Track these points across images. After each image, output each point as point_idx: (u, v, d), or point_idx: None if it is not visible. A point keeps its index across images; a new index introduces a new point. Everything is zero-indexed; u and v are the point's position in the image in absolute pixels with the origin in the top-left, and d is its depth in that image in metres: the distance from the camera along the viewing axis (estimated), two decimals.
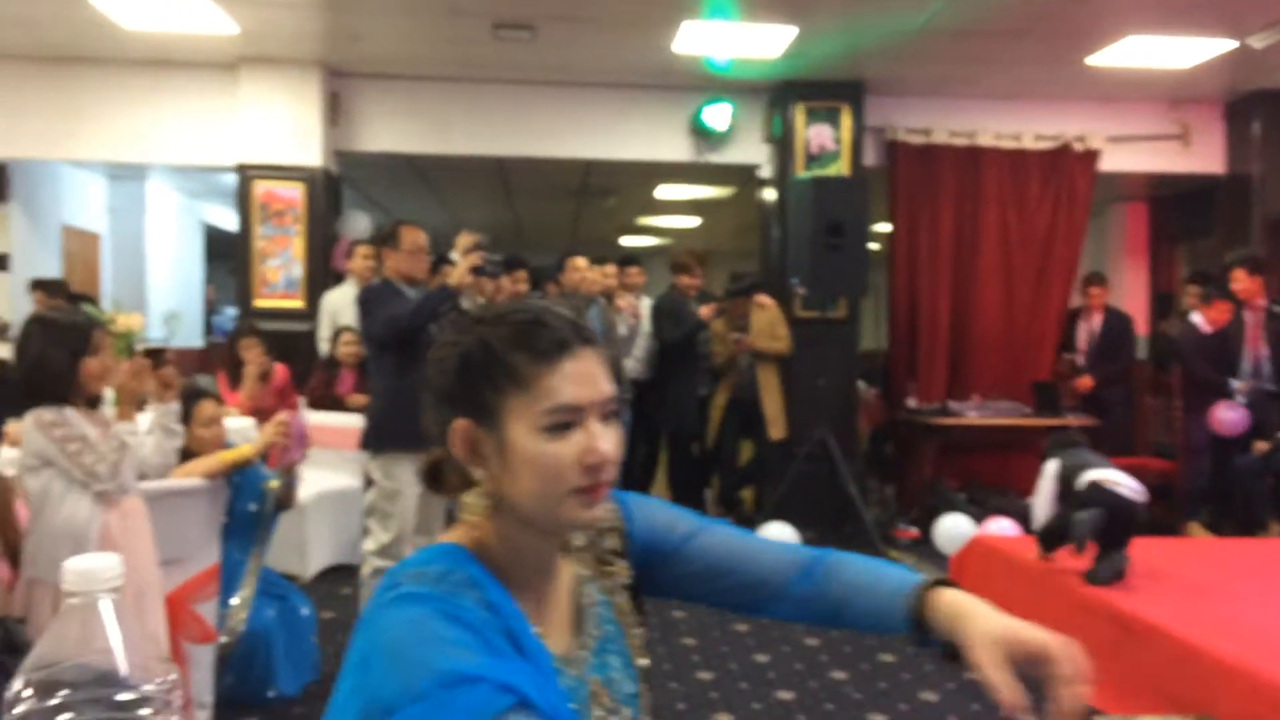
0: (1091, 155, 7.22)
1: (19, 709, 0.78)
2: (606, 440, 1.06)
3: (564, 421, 1.04)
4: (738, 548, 1.27)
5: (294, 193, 6.66)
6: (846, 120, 6.94)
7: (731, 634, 4.57)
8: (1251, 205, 7.14)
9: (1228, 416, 5.87)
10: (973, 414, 6.77)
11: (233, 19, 5.72)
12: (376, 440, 4.04)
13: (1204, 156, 7.38)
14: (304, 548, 5.23)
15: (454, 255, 4.20)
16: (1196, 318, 6.24)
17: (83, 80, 6.63)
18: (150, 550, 2.90)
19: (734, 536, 1.29)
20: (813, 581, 1.24)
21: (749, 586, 1.25)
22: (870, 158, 7.13)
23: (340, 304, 6.13)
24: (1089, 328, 7.10)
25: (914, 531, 6.46)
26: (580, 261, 6.22)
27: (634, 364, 6.67)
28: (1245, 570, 4.05)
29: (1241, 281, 6.04)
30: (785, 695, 3.84)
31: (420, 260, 4.14)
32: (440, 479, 1.18)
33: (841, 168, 6.91)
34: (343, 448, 5.51)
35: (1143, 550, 3.68)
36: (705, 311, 6.47)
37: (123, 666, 0.78)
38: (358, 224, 7.08)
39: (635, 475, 6.90)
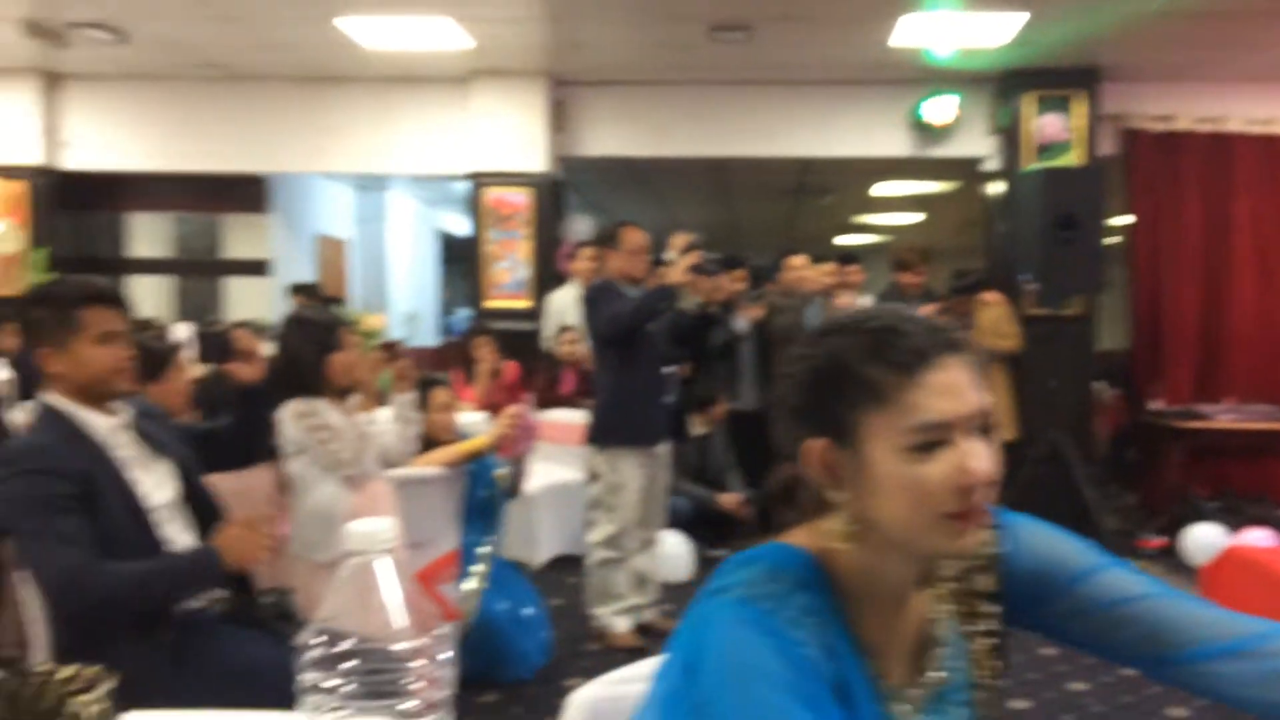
0: None
1: (311, 654, 0.89)
2: (981, 458, 0.95)
3: (931, 440, 0.95)
4: (1149, 596, 1.08)
5: (521, 198, 6.97)
6: (1080, 108, 6.61)
7: None
8: None
9: None
10: (1225, 417, 6.29)
11: (467, 34, 6.05)
12: (601, 435, 4.19)
13: None
14: (533, 537, 5.46)
15: (669, 255, 4.29)
16: None
17: (333, 99, 7.18)
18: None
19: (1145, 582, 1.10)
20: (1250, 657, 1.03)
21: (1156, 643, 1.06)
22: (1105, 147, 6.75)
23: (564, 304, 6.37)
24: None
25: (1160, 541, 6.06)
26: (798, 260, 6.20)
27: None
28: None
29: None
30: (1021, 705, 3.71)
31: (641, 260, 4.25)
32: (792, 499, 1.08)
33: (1074, 158, 6.59)
34: (567, 442, 5.73)
35: None
36: (927, 309, 6.31)
37: (398, 619, 0.88)
38: (581, 227, 7.33)
39: None
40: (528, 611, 3.90)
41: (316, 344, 2.98)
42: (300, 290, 7.28)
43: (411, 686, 0.91)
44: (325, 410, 2.98)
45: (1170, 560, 5.78)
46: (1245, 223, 6.64)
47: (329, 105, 7.19)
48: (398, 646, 0.89)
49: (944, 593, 1.09)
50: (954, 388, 0.96)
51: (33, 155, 7.17)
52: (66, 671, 1.21)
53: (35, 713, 1.15)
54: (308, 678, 0.90)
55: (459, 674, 3.53)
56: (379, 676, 0.90)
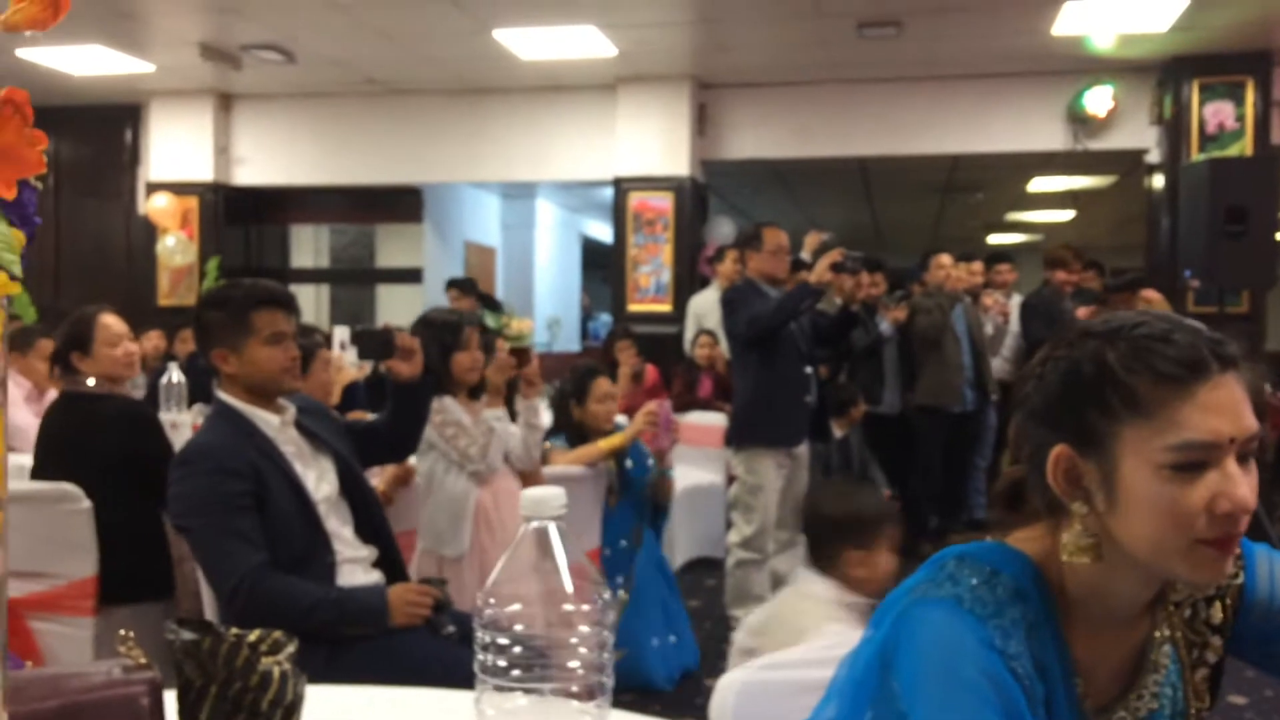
0: None
1: (486, 613, 0.94)
2: (1245, 485, 0.89)
3: (1195, 460, 0.89)
4: None
5: (664, 202, 7.05)
6: (1250, 95, 6.28)
7: None
8: None
9: None
10: None
11: (612, 42, 6.17)
12: (739, 436, 4.19)
13: None
14: (671, 540, 5.50)
15: (803, 255, 4.26)
16: None
17: (485, 109, 7.43)
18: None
19: None
20: None
21: None
22: (1277, 135, 6.38)
23: (705, 307, 6.40)
24: None
25: None
26: (945, 259, 6.06)
27: (1001, 364, 6.39)
28: None
29: None
30: None
31: (782, 260, 4.24)
32: (1018, 501, 1.04)
33: (1244, 147, 6.26)
34: (705, 444, 5.77)
35: None
36: (1083, 313, 6.08)
37: (567, 583, 0.93)
38: (722, 229, 7.36)
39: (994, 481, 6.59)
40: (672, 640, 3.75)
41: (441, 343, 3.05)
42: (455, 284, 7.49)
43: (576, 668, 0.96)
44: (453, 408, 3.07)
45: None
46: None
47: (481, 115, 7.44)
48: (566, 607, 0.93)
49: (1174, 619, 1.04)
50: (1227, 406, 0.90)
51: (204, 172, 7.66)
52: (254, 634, 1.26)
53: (229, 671, 1.20)
54: (481, 657, 0.95)
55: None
56: (545, 660, 0.95)
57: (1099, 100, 6.57)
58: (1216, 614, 1.04)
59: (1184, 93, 6.34)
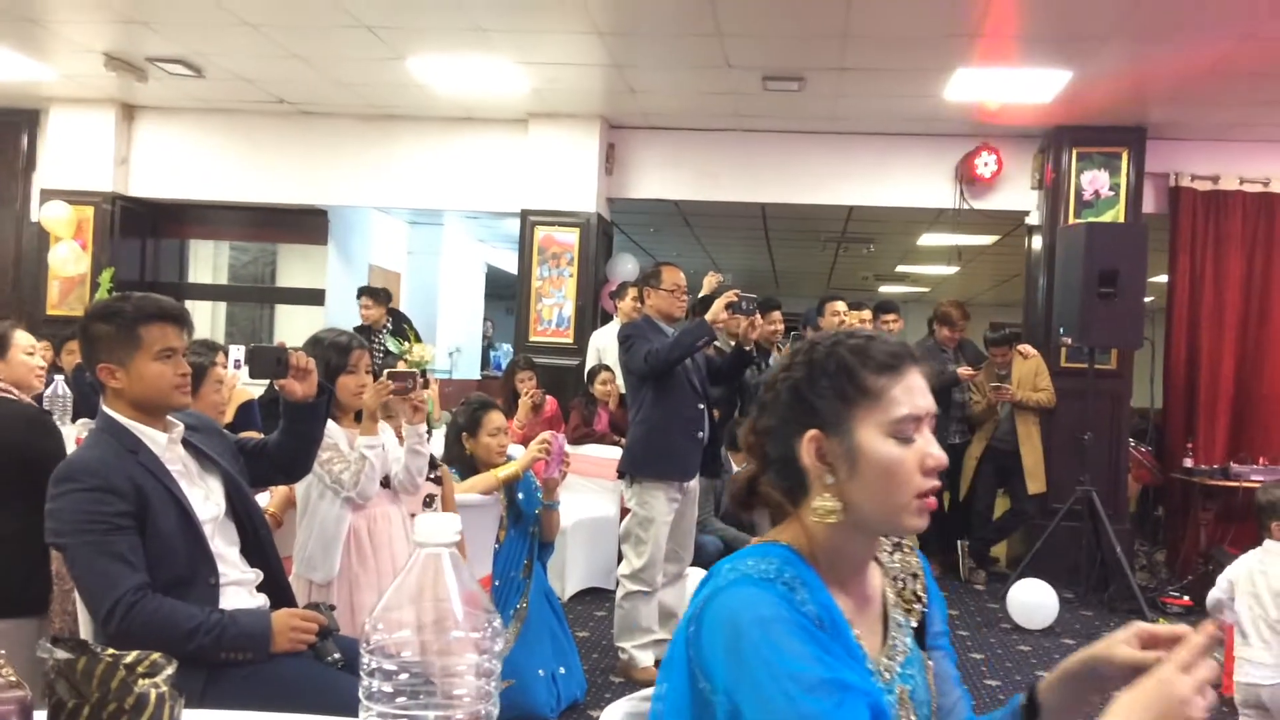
0: None
1: (374, 638, 0.98)
2: (937, 445, 1.19)
3: (907, 430, 1.17)
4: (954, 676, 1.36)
5: (570, 237, 7.15)
6: (1124, 165, 6.67)
7: (983, 688, 4.48)
8: None
9: None
10: (1259, 478, 6.25)
11: (527, 77, 6.27)
12: (632, 469, 4.27)
13: None
14: (562, 570, 5.56)
15: (701, 295, 4.36)
16: None
17: (395, 134, 7.43)
18: (402, 555, 3.05)
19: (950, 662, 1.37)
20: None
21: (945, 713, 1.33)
22: (1150, 205, 6.80)
23: (606, 341, 6.51)
24: None
25: (1186, 599, 6.04)
26: (839, 305, 6.29)
27: None
28: None
29: None
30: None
31: (679, 299, 4.35)
32: (752, 497, 1.29)
33: (1118, 214, 6.64)
34: (600, 477, 5.85)
35: None
36: (964, 373, 6.39)
37: (458, 611, 0.96)
38: (625, 266, 7.49)
39: None
40: (560, 670, 3.77)
41: (328, 365, 2.97)
42: (368, 292, 7.43)
43: (463, 696, 0.97)
44: (334, 431, 3.00)
45: (1196, 617, 5.75)
46: None
47: (392, 141, 7.44)
48: (455, 634, 0.98)
49: (891, 587, 1.32)
50: (921, 389, 1.20)
51: (102, 182, 7.48)
52: (131, 655, 1.22)
53: (103, 693, 1.17)
54: (366, 683, 0.97)
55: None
56: (431, 687, 0.97)
57: (985, 164, 6.92)
58: (918, 587, 1.34)
59: (1064, 160, 6.70)
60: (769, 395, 1.25)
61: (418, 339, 6.92)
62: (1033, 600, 5.47)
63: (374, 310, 7.25)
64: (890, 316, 6.75)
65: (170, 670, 1.24)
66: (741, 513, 1.33)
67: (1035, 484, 6.31)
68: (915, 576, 1.34)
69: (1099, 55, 5.38)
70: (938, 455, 1.18)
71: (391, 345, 6.46)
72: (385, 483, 3.13)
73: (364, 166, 7.49)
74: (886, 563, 1.33)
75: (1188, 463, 6.57)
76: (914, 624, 1.31)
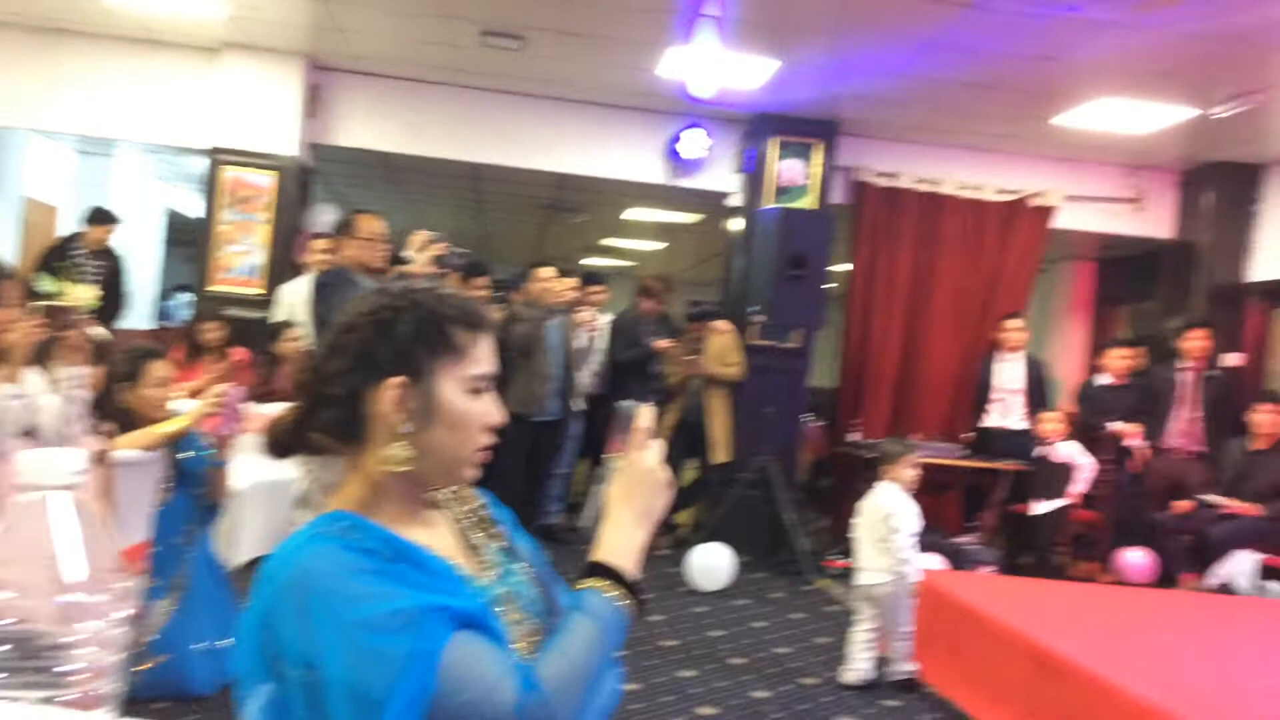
0: (1047, 211, 7.41)
1: None
2: (497, 406, 1.27)
3: (480, 387, 1.24)
4: None
5: (265, 180, 6.67)
6: (818, 157, 7.08)
7: (658, 649, 4.62)
8: (1196, 273, 7.36)
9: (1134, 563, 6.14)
10: None
11: (223, 1, 5.74)
12: None
13: (1155, 222, 7.60)
14: (234, 536, 5.17)
15: (408, 254, 4.22)
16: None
17: (62, 51, 6.60)
18: None
19: None
20: None
21: None
22: (837, 196, 7.26)
23: (297, 297, 6.12)
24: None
25: (845, 562, 6.55)
26: (546, 271, 6.27)
27: (587, 377, 6.73)
28: (1159, 617, 4.19)
29: (1201, 340, 6.30)
30: (707, 711, 3.90)
31: (377, 249, 4.15)
32: (290, 445, 1.30)
33: (810, 203, 7.04)
34: None
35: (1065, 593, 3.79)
36: (660, 345, 6.57)
37: (74, 569, 0.79)
38: (327, 218, 7.10)
39: (581, 487, 6.94)
40: (221, 644, 3.48)
41: None
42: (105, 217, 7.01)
43: (74, 672, 0.82)
44: None
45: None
46: (946, 279, 7.32)
47: (56, 58, 6.61)
48: (66, 599, 0.81)
49: (465, 521, 1.34)
50: (493, 352, 1.27)
51: None
52: None
53: None
54: None
55: (131, 685, 3.27)
56: (40, 661, 0.81)
57: (692, 143, 7.12)
58: (489, 513, 1.37)
59: (765, 147, 7.03)
60: (347, 338, 1.23)
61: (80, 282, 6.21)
62: (708, 563, 5.74)
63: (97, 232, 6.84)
64: (597, 287, 6.81)
65: None
66: (276, 457, 1.32)
67: (720, 454, 6.60)
68: (483, 507, 1.38)
69: (804, 48, 5.65)
70: (498, 415, 1.26)
71: (48, 285, 5.76)
72: (32, 435, 2.77)
73: (23, 83, 6.60)
74: (445, 503, 1.35)
75: (854, 437, 7.11)
76: (500, 545, 1.34)
